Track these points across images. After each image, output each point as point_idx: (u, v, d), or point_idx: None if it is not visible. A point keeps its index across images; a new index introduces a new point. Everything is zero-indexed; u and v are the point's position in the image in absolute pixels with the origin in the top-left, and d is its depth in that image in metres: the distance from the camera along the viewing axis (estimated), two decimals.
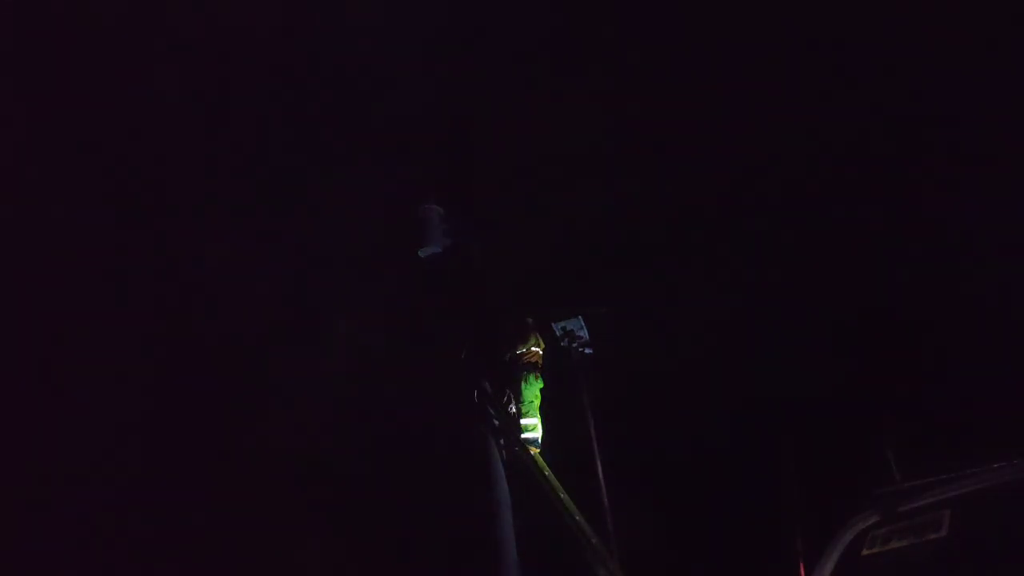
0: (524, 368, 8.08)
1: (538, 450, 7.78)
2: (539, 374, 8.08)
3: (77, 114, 7.53)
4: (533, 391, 8.05)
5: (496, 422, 7.62)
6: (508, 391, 7.99)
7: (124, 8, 7.34)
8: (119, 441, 7.81)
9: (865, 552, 3.48)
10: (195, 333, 8.02)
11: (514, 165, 8.84)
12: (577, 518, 6.98)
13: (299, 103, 8.07)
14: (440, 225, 8.10)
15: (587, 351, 8.32)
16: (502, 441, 7.64)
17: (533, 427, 7.96)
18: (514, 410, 7.84)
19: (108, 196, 7.74)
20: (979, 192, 7.82)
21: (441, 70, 8.32)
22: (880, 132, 8.17)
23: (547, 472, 7.40)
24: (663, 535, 8.08)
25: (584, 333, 8.31)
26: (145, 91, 7.47)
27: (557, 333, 8.28)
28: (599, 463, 7.61)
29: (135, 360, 7.89)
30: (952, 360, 7.76)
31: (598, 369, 8.19)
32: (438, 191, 8.08)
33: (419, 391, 8.31)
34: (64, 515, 7.50)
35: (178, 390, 7.96)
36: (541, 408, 7.98)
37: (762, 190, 8.29)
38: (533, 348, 8.07)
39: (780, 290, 8.37)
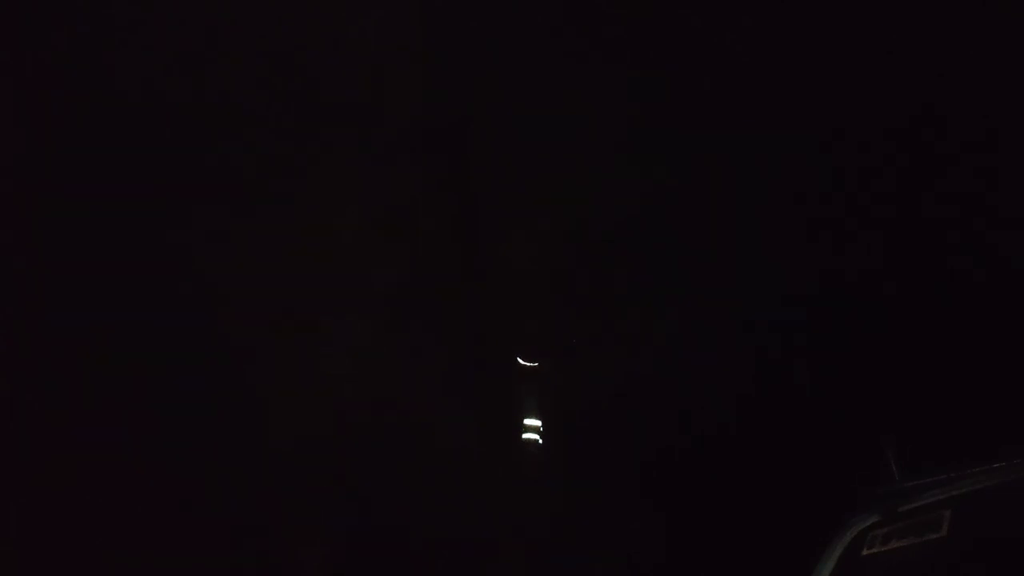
0: (526, 369, 8.12)
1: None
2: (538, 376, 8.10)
3: (71, 111, 7.54)
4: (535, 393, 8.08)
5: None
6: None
7: (117, 6, 7.34)
8: (116, 440, 7.81)
9: (865, 552, 3.47)
10: (193, 332, 8.02)
11: (514, 165, 8.84)
12: None
13: (298, 102, 8.07)
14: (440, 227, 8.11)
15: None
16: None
17: (534, 428, 7.98)
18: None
19: (104, 194, 7.74)
20: (980, 189, 7.82)
21: (440, 69, 8.32)
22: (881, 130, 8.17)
23: None
24: (661, 535, 8.07)
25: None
26: (140, 89, 7.47)
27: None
28: (598, 463, 7.63)
29: (131, 359, 7.89)
30: (952, 359, 7.75)
31: (597, 368, 8.20)
32: (438, 191, 8.08)
33: (418, 392, 8.31)
34: (59, 514, 7.50)
35: (175, 389, 7.96)
36: (540, 408, 8.00)
37: (761, 186, 8.29)
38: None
39: (779, 288, 8.37)
